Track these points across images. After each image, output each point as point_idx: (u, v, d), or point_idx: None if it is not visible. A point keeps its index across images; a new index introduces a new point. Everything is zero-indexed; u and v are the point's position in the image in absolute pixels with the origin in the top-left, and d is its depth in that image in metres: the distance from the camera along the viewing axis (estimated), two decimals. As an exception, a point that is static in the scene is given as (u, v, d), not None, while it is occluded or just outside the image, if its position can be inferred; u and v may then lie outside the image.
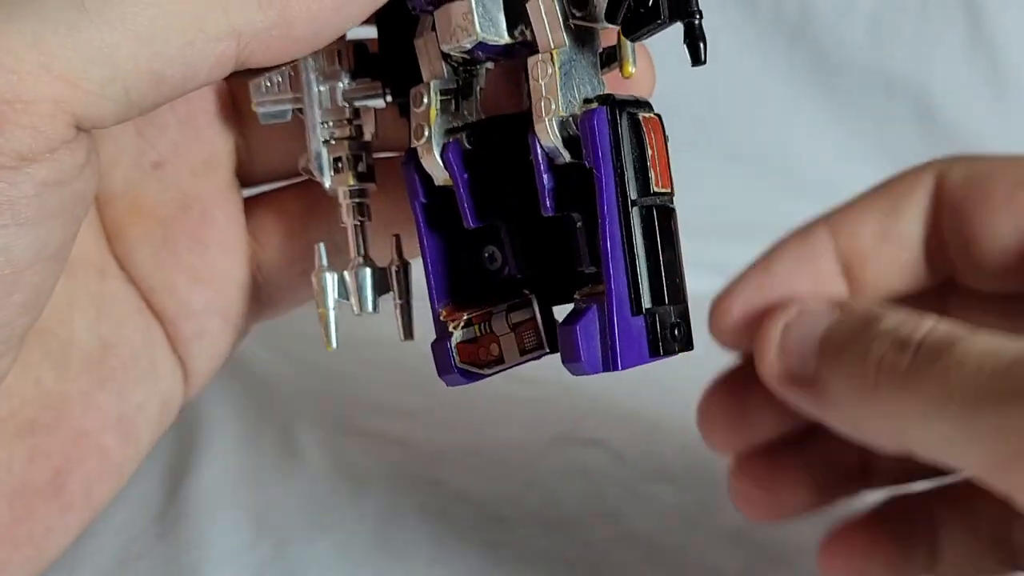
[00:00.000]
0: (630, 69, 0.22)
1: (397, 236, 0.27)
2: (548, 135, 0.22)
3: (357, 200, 0.26)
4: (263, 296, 0.29)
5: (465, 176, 0.24)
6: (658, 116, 0.23)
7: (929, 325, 0.24)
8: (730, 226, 0.68)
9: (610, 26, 0.22)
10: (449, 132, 0.24)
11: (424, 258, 0.25)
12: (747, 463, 0.30)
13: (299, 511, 0.38)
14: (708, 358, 0.49)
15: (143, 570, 0.35)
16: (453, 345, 0.24)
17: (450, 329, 0.24)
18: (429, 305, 0.25)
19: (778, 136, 0.67)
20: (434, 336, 0.25)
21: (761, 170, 0.67)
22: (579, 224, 0.23)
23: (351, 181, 0.26)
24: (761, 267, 0.29)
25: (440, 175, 0.24)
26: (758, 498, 0.30)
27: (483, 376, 0.24)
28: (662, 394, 0.49)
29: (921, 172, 0.29)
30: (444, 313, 0.25)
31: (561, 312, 0.24)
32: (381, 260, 0.27)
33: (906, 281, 0.29)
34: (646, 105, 0.23)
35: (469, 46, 0.23)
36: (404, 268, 0.26)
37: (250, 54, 0.22)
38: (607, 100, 0.22)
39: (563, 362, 0.22)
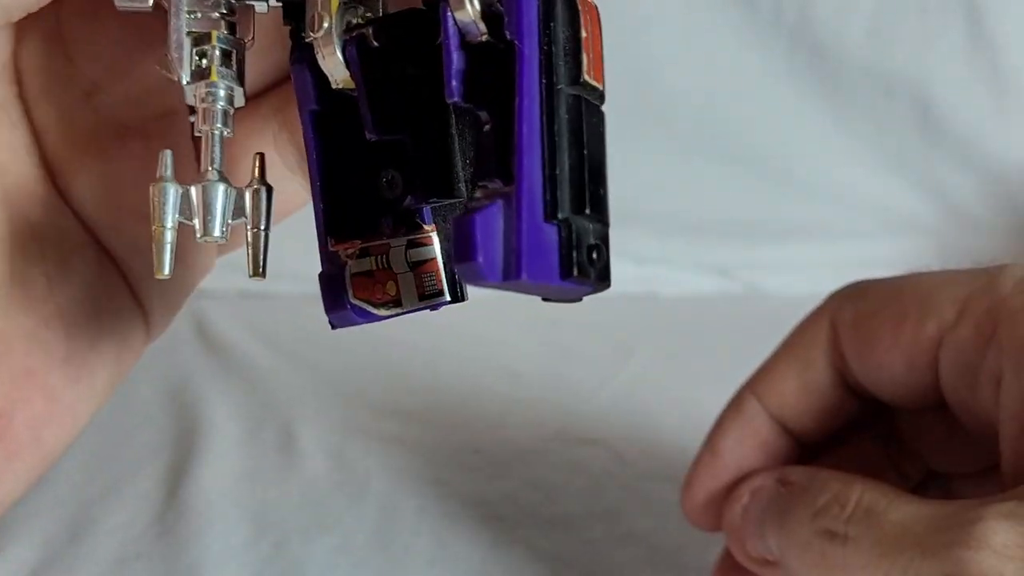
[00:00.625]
0: None
1: (261, 155, 0.23)
2: (465, 3, 0.18)
3: (221, 105, 0.22)
4: None
5: (369, 77, 0.20)
6: (595, 7, 0.19)
7: (857, 495, 0.25)
8: (730, 226, 0.68)
9: None
10: (351, 29, 0.21)
11: (312, 176, 0.22)
12: None
13: (299, 511, 0.38)
14: (707, 359, 0.49)
15: (143, 570, 0.35)
16: (348, 277, 0.21)
17: (343, 259, 0.21)
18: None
19: (778, 136, 0.67)
20: (313, 273, 0.22)
21: (761, 170, 0.67)
22: (487, 127, 0.19)
23: (213, 77, 0.22)
24: (708, 450, 0.31)
25: (340, 74, 0.21)
26: None
27: (378, 318, 0.21)
28: (662, 394, 0.49)
29: (819, 317, 0.30)
30: (333, 241, 0.22)
31: None
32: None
33: (840, 417, 0.30)
34: None
35: None
36: (267, 191, 0.23)
37: None
38: None
39: (455, 264, 0.18)
